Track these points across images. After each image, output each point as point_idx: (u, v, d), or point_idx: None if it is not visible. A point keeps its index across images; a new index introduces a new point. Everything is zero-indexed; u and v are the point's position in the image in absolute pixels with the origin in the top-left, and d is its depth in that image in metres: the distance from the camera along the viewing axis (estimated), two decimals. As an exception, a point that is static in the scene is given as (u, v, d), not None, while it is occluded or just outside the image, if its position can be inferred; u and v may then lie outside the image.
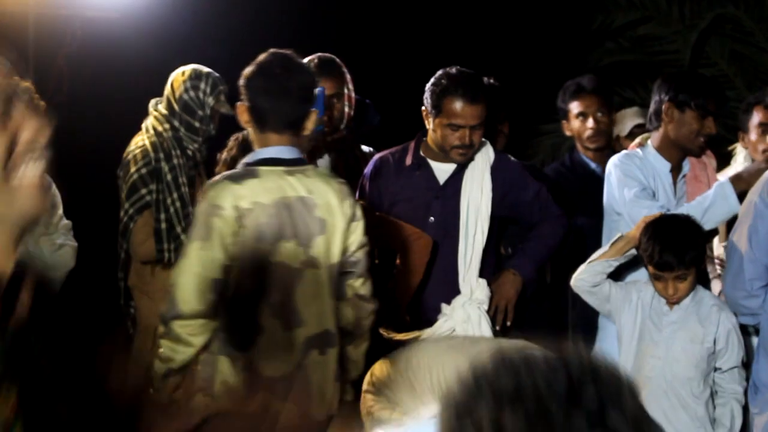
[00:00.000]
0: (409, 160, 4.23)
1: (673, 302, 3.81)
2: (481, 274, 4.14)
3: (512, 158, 4.46)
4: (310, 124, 3.53)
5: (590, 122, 4.77)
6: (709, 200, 3.99)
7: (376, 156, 4.39)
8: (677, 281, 3.76)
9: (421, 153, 4.25)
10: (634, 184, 4.14)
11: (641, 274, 4.05)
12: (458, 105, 4.08)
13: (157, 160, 4.53)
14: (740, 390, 3.78)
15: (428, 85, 4.18)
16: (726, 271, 3.87)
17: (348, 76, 4.46)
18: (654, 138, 4.32)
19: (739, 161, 4.74)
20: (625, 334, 3.90)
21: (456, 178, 4.20)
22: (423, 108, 4.22)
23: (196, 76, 4.60)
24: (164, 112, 4.61)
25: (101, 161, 5.10)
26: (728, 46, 8.76)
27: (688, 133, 4.22)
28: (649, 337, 3.84)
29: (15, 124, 1.46)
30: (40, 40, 7.24)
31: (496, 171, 4.22)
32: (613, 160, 4.31)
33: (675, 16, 8.69)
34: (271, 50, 3.59)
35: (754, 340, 3.90)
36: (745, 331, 3.89)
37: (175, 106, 4.59)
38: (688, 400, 3.76)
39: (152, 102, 4.68)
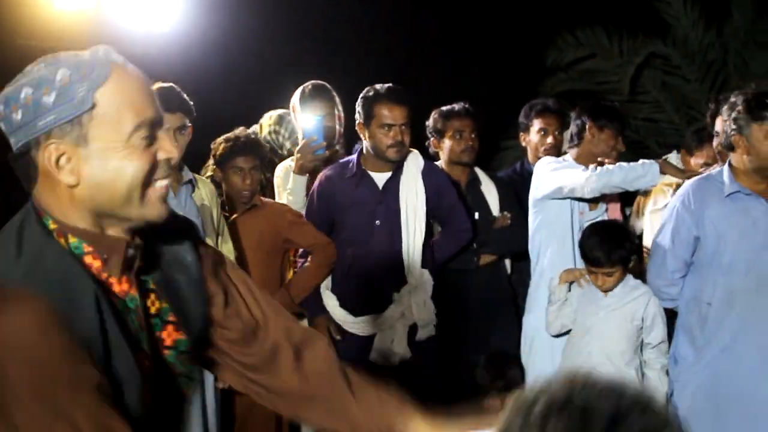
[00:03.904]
0: (351, 173, 4.11)
1: (603, 290, 3.86)
2: (423, 265, 4.07)
3: (438, 166, 4.40)
4: None
5: (549, 139, 4.70)
6: (637, 171, 3.98)
7: (322, 173, 4.23)
8: (606, 276, 3.81)
9: (362, 166, 4.14)
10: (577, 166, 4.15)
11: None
12: (387, 107, 4.01)
13: None
14: (666, 362, 3.80)
15: (359, 101, 4.11)
16: (650, 264, 3.86)
17: (337, 99, 4.38)
18: (573, 153, 4.30)
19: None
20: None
21: (393, 184, 4.10)
22: (357, 123, 4.12)
23: (278, 122, 4.57)
24: None
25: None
26: (660, 77, 8.81)
27: (606, 148, 4.26)
28: (587, 318, 3.88)
29: (159, 144, 1.52)
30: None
31: (426, 176, 4.13)
32: (548, 160, 4.30)
33: (615, 53, 8.73)
34: None
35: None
36: (672, 314, 3.90)
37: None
38: (622, 367, 3.75)
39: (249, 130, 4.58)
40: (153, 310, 1.59)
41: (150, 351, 1.56)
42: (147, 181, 1.49)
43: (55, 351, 1.36)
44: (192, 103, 3.85)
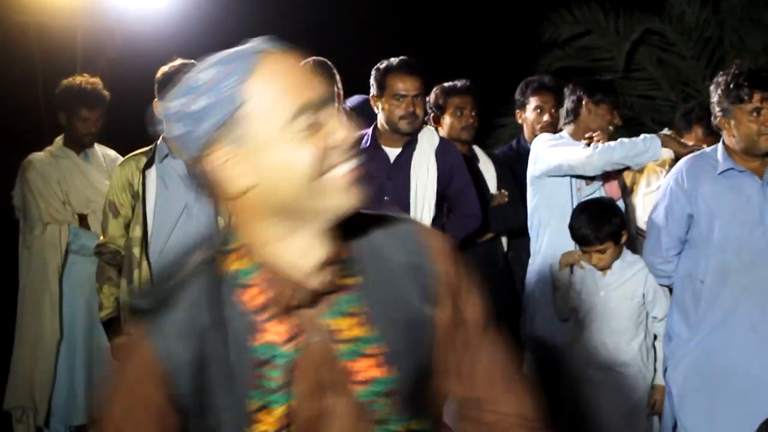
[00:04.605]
0: (364, 147, 4.05)
1: (599, 269, 3.86)
2: None
3: (455, 145, 4.33)
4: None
5: (546, 116, 4.69)
6: (639, 147, 3.96)
7: None
8: (598, 253, 3.82)
9: (376, 140, 4.10)
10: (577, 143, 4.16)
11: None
12: (399, 77, 3.99)
13: None
14: None
15: (372, 74, 4.09)
16: (646, 242, 3.87)
17: (338, 77, 4.38)
18: (569, 129, 4.29)
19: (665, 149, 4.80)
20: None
21: (405, 160, 4.05)
22: (371, 95, 4.11)
23: None
24: None
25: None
26: (655, 54, 8.78)
27: (603, 122, 4.26)
28: (588, 299, 3.88)
29: (328, 128, 1.37)
30: (86, 46, 7.22)
31: (439, 154, 4.07)
32: (545, 137, 4.29)
33: (611, 30, 8.70)
34: None
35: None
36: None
37: None
38: (623, 345, 3.78)
39: None
40: (347, 335, 1.42)
41: (312, 395, 1.40)
42: (322, 169, 1.35)
43: (132, 407, 1.41)
44: None
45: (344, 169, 1.38)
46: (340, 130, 1.38)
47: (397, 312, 1.45)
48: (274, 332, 1.38)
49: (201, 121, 1.34)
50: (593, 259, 3.81)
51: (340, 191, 1.37)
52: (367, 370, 1.41)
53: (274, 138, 1.33)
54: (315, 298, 1.40)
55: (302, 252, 1.39)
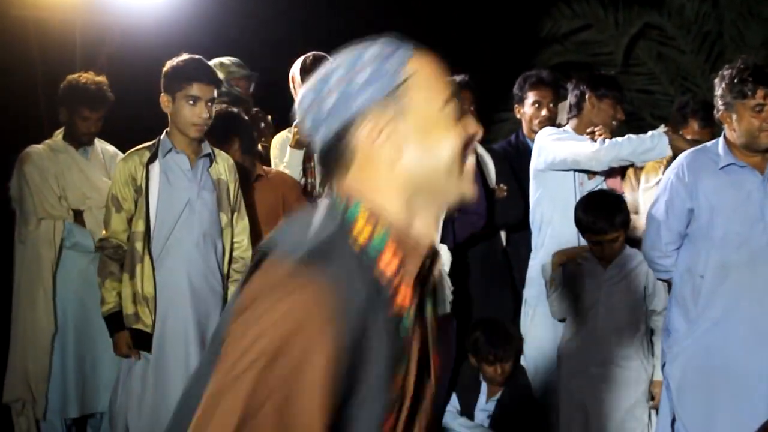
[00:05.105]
0: None
1: (608, 261, 3.86)
2: (442, 241, 4.02)
3: None
4: None
5: (544, 111, 4.67)
6: (646, 144, 3.99)
7: None
8: (611, 243, 3.81)
9: None
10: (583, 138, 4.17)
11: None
12: None
13: None
14: None
15: None
16: (645, 236, 3.88)
17: None
18: (573, 123, 4.32)
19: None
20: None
21: None
22: None
23: (218, 69, 4.55)
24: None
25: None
26: (654, 48, 8.79)
27: (606, 117, 4.26)
28: (589, 294, 3.88)
29: (464, 119, 1.45)
30: (85, 41, 7.21)
31: None
32: (549, 131, 4.31)
33: (610, 24, 8.71)
34: None
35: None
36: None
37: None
38: (625, 340, 3.80)
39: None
40: (433, 328, 1.47)
41: (415, 378, 1.40)
42: (463, 155, 1.44)
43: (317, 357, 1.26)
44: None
45: (473, 161, 1.47)
46: (473, 123, 1.46)
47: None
48: (403, 296, 1.39)
49: (362, 91, 1.40)
50: (605, 249, 3.81)
51: (468, 179, 1.46)
52: (438, 366, 1.47)
53: (430, 117, 1.42)
54: (426, 279, 1.45)
55: (424, 230, 1.44)
